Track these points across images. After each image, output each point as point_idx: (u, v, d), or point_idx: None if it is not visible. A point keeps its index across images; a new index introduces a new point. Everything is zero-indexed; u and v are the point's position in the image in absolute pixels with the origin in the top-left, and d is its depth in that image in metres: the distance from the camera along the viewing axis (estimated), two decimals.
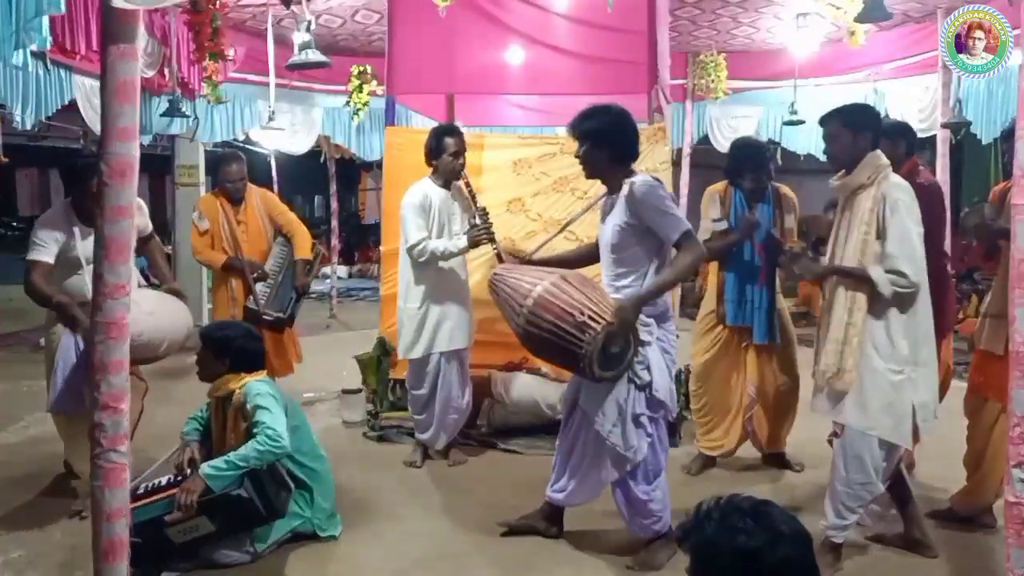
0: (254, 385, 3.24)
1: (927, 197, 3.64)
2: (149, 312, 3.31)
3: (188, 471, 3.17)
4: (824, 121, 3.12)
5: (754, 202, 4.03)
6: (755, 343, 4.03)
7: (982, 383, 3.40)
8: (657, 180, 3.04)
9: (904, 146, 3.83)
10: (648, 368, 2.96)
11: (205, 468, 3.02)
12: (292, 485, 3.26)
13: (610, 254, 3.09)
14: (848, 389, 2.94)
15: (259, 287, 4.61)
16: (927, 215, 3.62)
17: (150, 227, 3.98)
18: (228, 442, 3.25)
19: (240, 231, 4.66)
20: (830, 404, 3.03)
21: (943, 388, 3.75)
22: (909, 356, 2.92)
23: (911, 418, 2.93)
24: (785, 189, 4.13)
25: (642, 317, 2.92)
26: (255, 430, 3.09)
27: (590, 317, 2.76)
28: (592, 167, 3.16)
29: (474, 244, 3.97)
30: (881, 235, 2.91)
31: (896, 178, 2.99)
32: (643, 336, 2.93)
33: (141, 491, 3.17)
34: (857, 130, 3.01)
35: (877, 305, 2.92)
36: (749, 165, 4.03)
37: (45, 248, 3.51)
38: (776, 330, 4.01)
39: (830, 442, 3.10)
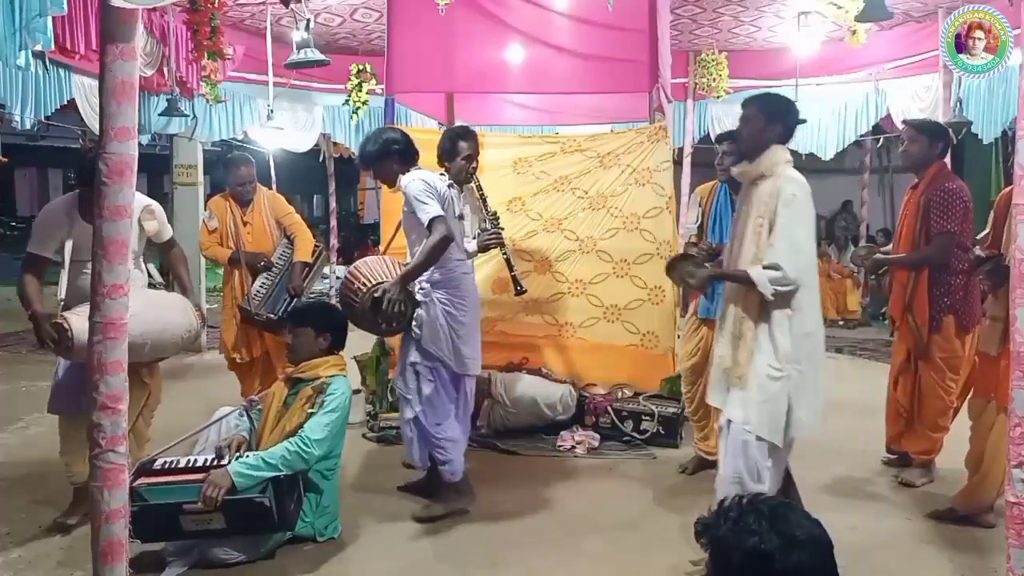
0: (339, 383, 3.33)
1: (955, 199, 3.65)
2: (130, 315, 3.26)
3: (224, 460, 3.11)
4: (745, 103, 3.06)
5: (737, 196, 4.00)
6: None
7: (983, 384, 3.40)
8: (427, 180, 3.51)
9: (940, 148, 3.84)
10: (421, 325, 3.54)
11: (235, 466, 2.99)
12: (303, 496, 3.26)
13: (406, 237, 3.71)
14: (739, 384, 2.88)
15: (255, 287, 4.61)
16: (957, 217, 3.63)
17: (169, 232, 3.92)
18: (281, 424, 3.27)
19: (245, 232, 4.67)
20: (720, 396, 2.99)
21: (967, 384, 3.74)
22: (791, 355, 2.84)
23: (785, 418, 2.84)
24: None
25: (423, 284, 3.56)
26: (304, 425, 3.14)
27: (362, 284, 3.47)
28: (389, 178, 3.68)
29: (483, 248, 3.96)
30: (771, 228, 2.85)
31: (794, 173, 2.89)
32: (419, 298, 3.55)
33: (157, 466, 3.10)
34: (769, 119, 2.95)
35: (763, 302, 2.86)
36: (724, 137, 4.03)
37: (41, 241, 3.47)
38: None
39: None
